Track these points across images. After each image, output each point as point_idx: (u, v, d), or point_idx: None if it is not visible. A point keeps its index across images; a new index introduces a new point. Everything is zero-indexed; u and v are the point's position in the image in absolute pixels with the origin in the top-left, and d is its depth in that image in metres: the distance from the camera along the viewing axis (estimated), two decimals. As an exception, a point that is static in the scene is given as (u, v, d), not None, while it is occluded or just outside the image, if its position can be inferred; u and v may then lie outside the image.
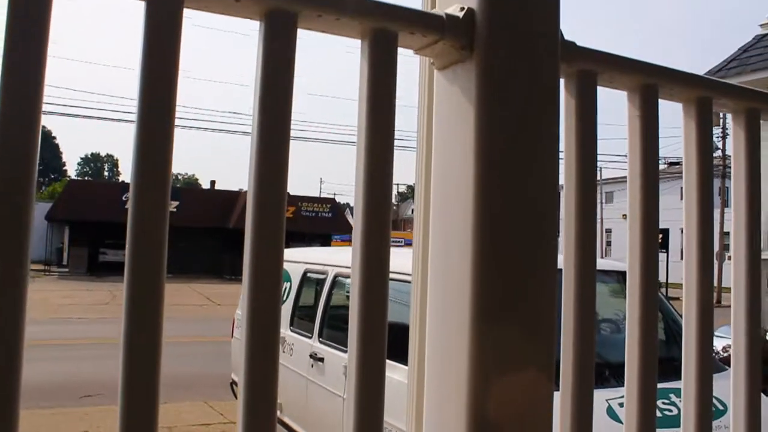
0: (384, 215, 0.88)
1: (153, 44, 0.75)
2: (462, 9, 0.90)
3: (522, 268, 0.91)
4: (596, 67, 1.05)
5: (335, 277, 5.34)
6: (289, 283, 6.00)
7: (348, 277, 5.21)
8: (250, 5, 0.80)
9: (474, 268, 0.87)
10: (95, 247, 34.74)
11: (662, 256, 27.97)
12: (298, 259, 6.07)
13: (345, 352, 4.78)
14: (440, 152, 0.96)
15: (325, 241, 36.99)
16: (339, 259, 5.45)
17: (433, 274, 0.97)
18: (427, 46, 0.92)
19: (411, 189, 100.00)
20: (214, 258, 35.55)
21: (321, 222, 36.51)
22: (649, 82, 1.11)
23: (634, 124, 1.12)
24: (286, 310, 5.70)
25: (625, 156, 1.15)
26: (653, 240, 1.14)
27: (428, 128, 1.04)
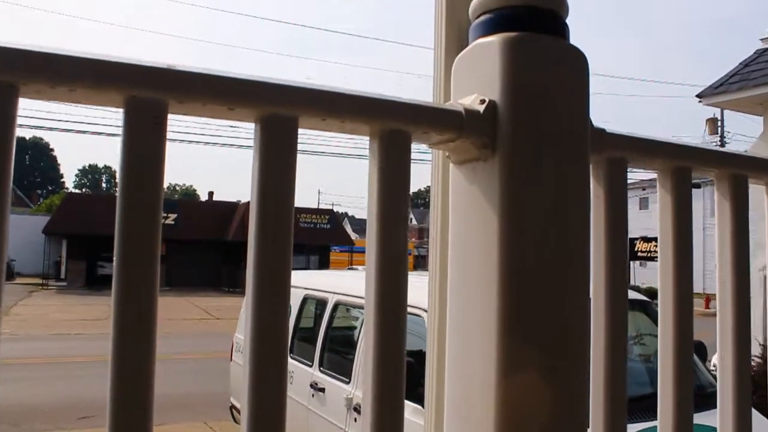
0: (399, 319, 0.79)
1: (134, 156, 0.66)
2: (483, 102, 0.81)
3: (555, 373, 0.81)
4: (626, 153, 0.96)
5: (336, 304, 5.24)
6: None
7: (349, 305, 5.12)
8: (245, 112, 0.71)
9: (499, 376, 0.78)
10: (93, 260, 34.59)
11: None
12: (297, 284, 5.97)
13: (346, 383, 4.70)
14: (458, 257, 0.87)
15: (324, 253, 36.90)
16: (339, 285, 5.35)
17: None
18: (443, 142, 0.83)
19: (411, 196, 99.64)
20: (212, 270, 35.41)
21: (320, 233, 36.39)
22: (681, 165, 1.02)
23: (666, 203, 1.03)
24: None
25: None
26: (688, 329, 1.05)
27: (443, 223, 0.95)
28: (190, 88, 0.66)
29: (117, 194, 0.66)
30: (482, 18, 0.87)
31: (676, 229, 1.03)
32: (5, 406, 9.49)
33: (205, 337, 16.87)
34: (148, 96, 0.65)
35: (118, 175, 0.66)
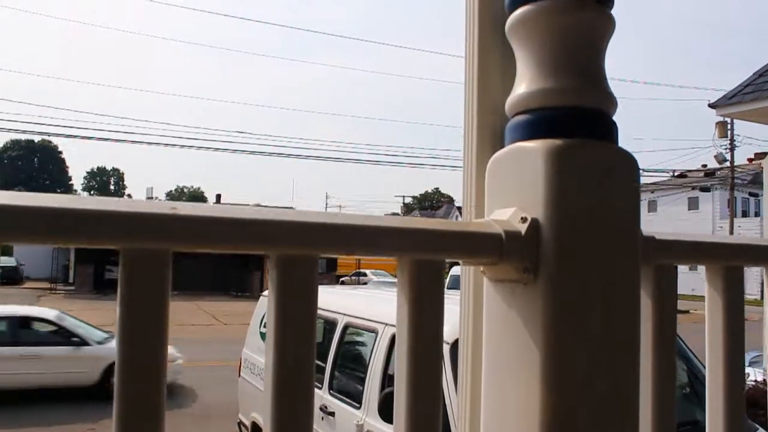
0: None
1: (133, 314, 0.58)
2: (524, 220, 0.72)
3: None
4: (676, 260, 0.87)
5: (346, 326, 5.15)
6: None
7: (359, 327, 5.03)
8: (260, 250, 0.63)
9: None
10: (101, 264, 34.61)
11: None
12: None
13: (357, 408, 4.61)
14: (493, 383, 0.78)
15: (331, 258, 36.77)
16: (349, 306, 5.26)
17: None
18: (479, 264, 0.74)
19: (417, 200, 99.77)
20: (221, 274, 35.38)
21: (327, 237, 36.27)
22: (732, 264, 0.93)
23: (716, 303, 0.95)
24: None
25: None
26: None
27: (474, 339, 0.86)
28: (197, 235, 0.58)
29: (116, 355, 0.58)
30: (521, 118, 0.78)
31: (728, 332, 0.94)
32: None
33: (215, 343, 16.80)
34: (148, 247, 0.57)
35: (116, 334, 0.58)
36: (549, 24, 0.77)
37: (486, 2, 0.89)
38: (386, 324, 4.46)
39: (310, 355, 0.66)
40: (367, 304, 5.16)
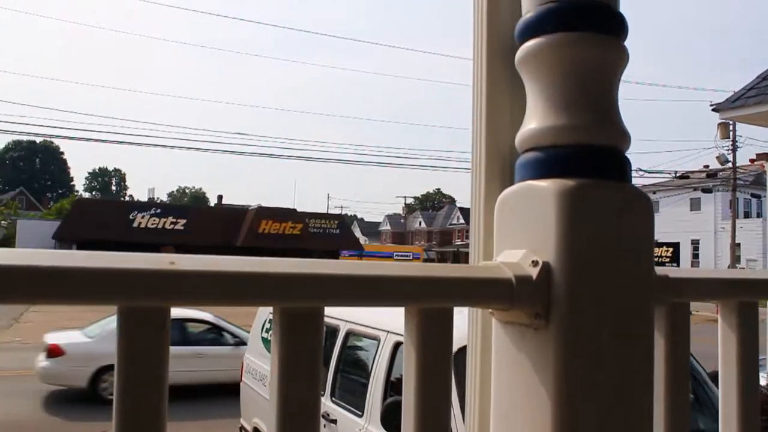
0: None
1: (132, 369, 0.56)
2: (535, 263, 0.70)
3: None
4: (690, 297, 0.85)
5: (347, 333, 5.13)
6: (298, 333, 5.78)
7: (361, 335, 5.01)
8: (263, 303, 0.60)
9: None
10: (103, 265, 34.63)
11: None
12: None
13: (359, 416, 4.58)
14: (503, 429, 0.76)
15: (333, 257, 36.79)
16: (351, 313, 5.24)
17: None
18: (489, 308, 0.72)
19: (418, 200, 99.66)
20: (221, 275, 35.30)
21: (329, 238, 36.28)
22: (746, 300, 0.91)
23: (729, 339, 0.92)
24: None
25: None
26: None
27: (482, 376, 0.84)
28: (197, 292, 0.56)
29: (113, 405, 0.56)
30: (531, 156, 0.76)
31: (742, 369, 0.92)
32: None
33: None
34: (146, 305, 0.54)
35: (114, 393, 0.56)
36: (560, 58, 0.75)
37: (495, 31, 0.87)
38: (389, 332, 4.44)
39: (315, 403, 0.64)
40: (369, 312, 5.14)
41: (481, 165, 0.86)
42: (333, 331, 5.36)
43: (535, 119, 0.76)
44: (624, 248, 0.73)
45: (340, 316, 5.29)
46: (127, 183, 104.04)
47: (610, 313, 0.72)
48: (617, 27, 0.76)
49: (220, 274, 0.56)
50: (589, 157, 0.73)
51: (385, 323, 4.55)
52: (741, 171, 36.84)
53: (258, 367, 6.71)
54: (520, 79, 0.81)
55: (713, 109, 8.69)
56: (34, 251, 0.52)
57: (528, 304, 0.69)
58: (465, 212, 77.94)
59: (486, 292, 0.69)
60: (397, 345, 4.21)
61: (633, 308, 0.74)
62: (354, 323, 5.05)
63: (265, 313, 6.92)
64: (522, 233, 0.74)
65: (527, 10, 0.78)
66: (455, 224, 78.57)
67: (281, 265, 0.59)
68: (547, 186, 0.71)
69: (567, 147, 0.73)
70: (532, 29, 0.76)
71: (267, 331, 6.65)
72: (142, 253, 0.56)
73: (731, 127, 30.13)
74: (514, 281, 0.69)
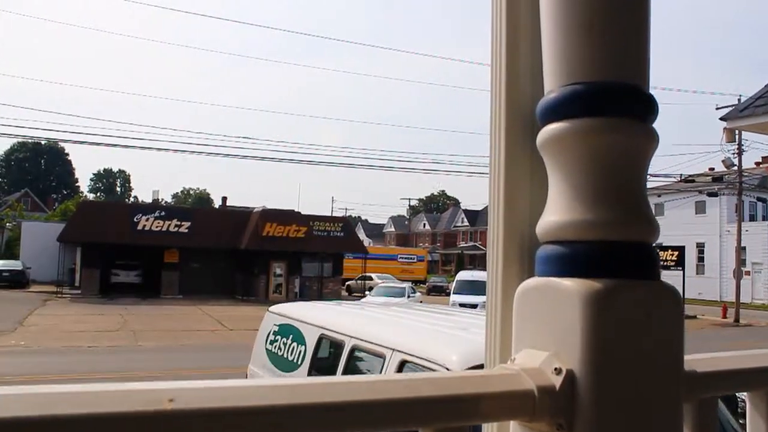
0: None
1: None
2: (558, 371, 0.66)
3: None
4: (719, 391, 0.81)
5: (353, 348, 5.08)
6: (303, 347, 5.74)
7: (367, 351, 4.96)
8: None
9: None
10: (107, 268, 34.65)
11: (678, 273, 27.52)
12: (313, 322, 5.80)
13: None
14: None
15: (338, 260, 36.72)
16: (357, 328, 5.19)
17: None
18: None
19: (422, 202, 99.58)
20: (225, 278, 35.32)
21: (333, 241, 36.21)
22: None
23: (759, 428, 0.88)
24: (300, 375, 5.43)
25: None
26: None
27: None
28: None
29: None
30: (554, 250, 0.71)
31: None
32: None
33: (220, 350, 16.73)
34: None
35: None
36: (586, 145, 0.70)
37: (514, 104, 0.82)
38: (394, 350, 4.39)
39: None
40: (375, 327, 5.09)
41: (499, 247, 0.81)
42: (338, 346, 5.32)
43: (559, 210, 0.71)
44: (652, 349, 0.69)
45: (345, 331, 5.25)
46: (131, 184, 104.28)
47: (638, 417, 0.68)
48: (647, 111, 0.72)
49: (224, 411, 0.52)
50: (617, 256, 0.68)
51: (391, 341, 4.51)
52: (746, 174, 36.69)
53: (261, 377, 6.68)
54: (540, 157, 0.76)
55: (721, 118, 8.62)
56: (20, 393, 0.48)
57: (550, 415, 0.65)
58: (469, 214, 77.83)
59: (505, 407, 0.64)
60: (403, 363, 4.17)
61: (661, 408, 0.70)
62: (359, 339, 5.00)
63: (269, 323, 6.88)
64: (543, 333, 0.70)
65: (550, 89, 0.74)
66: (459, 226, 78.47)
67: (292, 393, 0.55)
68: (571, 286, 0.67)
69: (593, 243, 0.69)
70: (555, 112, 0.72)
71: (272, 342, 6.60)
72: (140, 388, 0.52)
73: (737, 132, 29.98)
74: (536, 392, 0.64)
